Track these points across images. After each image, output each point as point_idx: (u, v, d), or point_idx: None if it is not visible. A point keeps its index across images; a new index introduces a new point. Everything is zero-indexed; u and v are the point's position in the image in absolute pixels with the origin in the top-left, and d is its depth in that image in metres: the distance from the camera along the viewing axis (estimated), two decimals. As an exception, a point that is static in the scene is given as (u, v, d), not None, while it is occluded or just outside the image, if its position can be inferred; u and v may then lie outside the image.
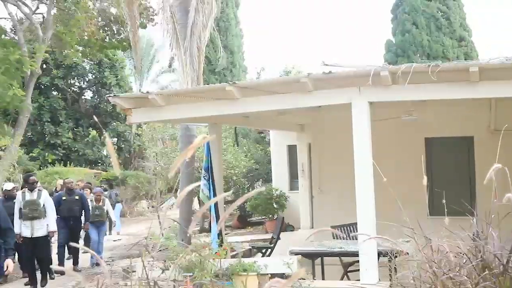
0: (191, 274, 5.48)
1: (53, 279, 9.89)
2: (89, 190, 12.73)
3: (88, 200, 11.55)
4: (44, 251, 9.32)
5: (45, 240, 9.29)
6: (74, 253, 11.16)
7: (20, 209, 8.98)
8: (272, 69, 31.64)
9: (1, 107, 20.50)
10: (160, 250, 6.73)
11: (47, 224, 9.17)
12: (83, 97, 31.31)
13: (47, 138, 27.55)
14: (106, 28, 20.77)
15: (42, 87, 27.51)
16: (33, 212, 8.90)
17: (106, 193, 14.45)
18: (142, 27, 18.26)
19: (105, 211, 11.63)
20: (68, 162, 26.10)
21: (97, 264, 10.78)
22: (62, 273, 10.19)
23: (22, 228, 8.92)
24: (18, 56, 16.78)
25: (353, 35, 75.80)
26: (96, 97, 30.94)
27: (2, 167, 17.49)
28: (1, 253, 5.79)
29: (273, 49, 66.49)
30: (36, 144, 27.54)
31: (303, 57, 61.26)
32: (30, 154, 26.21)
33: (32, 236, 8.95)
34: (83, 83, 31.35)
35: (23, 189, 9.48)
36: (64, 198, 10.84)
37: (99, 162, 29.75)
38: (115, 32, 21.07)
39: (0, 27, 19.45)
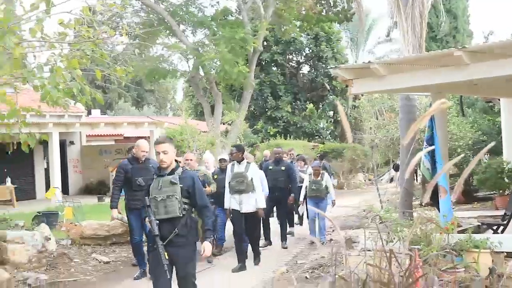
0: (418, 247, 5.40)
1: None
2: (302, 162, 12.36)
3: (304, 174, 11.00)
4: (252, 227, 8.62)
5: (253, 216, 8.50)
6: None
7: (229, 182, 8.47)
8: (502, 33, 29.00)
9: (228, 83, 22.43)
10: (381, 223, 6.74)
11: (256, 200, 8.40)
12: (300, 71, 32.49)
13: (268, 112, 29.33)
14: (322, 1, 21.13)
15: (263, 63, 29.24)
16: (239, 185, 8.29)
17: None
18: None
19: (324, 186, 10.35)
20: (287, 135, 27.46)
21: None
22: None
23: (232, 202, 8.47)
24: (243, 35, 18.06)
25: None
26: (312, 71, 31.82)
27: (230, 140, 19.15)
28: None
29: (504, 11, 60.38)
30: (258, 118, 29.54)
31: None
32: (254, 128, 28.19)
33: (241, 211, 8.38)
34: (301, 58, 32.49)
35: (232, 161, 8.87)
36: (270, 167, 10.51)
37: (316, 135, 30.73)
38: (331, 5, 21.32)
39: (226, 8, 21.09)
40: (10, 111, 8.29)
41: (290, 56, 32.09)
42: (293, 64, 32.28)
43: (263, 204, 8.45)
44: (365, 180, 25.37)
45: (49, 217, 11.30)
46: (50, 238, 8.83)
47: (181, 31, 19.55)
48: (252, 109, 29.13)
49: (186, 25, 20.62)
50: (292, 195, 10.34)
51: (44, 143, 16.78)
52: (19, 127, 8.36)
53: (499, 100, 13.39)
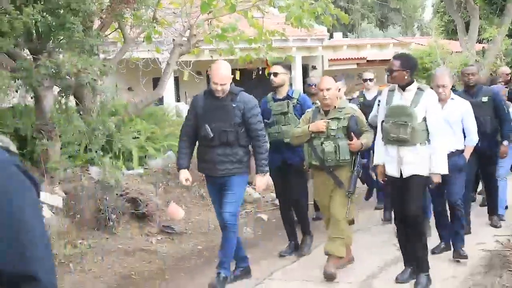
0: None
1: None
2: None
3: None
4: (411, 202, 5.12)
5: (418, 185, 5.10)
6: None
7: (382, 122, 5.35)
8: None
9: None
10: None
11: (431, 158, 4.95)
12: None
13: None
14: None
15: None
16: (399, 130, 4.62)
17: None
18: None
19: None
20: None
21: None
22: None
23: (386, 159, 5.01)
24: None
25: None
26: None
27: (487, 60, 17.70)
28: None
29: None
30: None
31: None
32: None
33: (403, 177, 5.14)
34: None
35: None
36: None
37: None
38: None
39: None
40: (258, 35, 8.86)
41: None
42: None
43: (443, 168, 4.64)
44: None
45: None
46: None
47: None
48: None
49: None
50: (505, 143, 6.45)
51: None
52: (266, 51, 8.90)
53: None
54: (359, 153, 5.04)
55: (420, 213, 4.81)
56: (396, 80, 4.65)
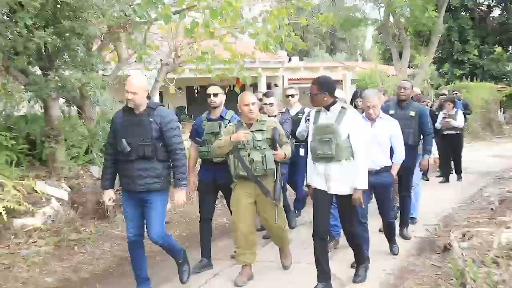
0: None
1: None
2: (451, 105, 9.38)
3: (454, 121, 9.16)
4: (346, 217, 4.55)
5: (346, 201, 4.47)
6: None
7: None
8: None
9: (416, 29, 21.01)
10: None
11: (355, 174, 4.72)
12: (490, 15, 29.01)
13: (454, 56, 26.96)
14: None
15: (452, 8, 26.69)
16: (325, 147, 4.34)
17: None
18: None
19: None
20: (473, 77, 25.05)
21: None
22: None
23: (313, 175, 4.63)
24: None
25: None
26: (504, 13, 28.22)
27: (416, 82, 18.16)
28: None
29: None
30: (444, 61, 27.33)
31: None
32: (440, 70, 26.25)
33: (328, 192, 4.43)
34: (492, 1, 28.92)
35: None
36: (391, 112, 5.88)
37: (503, 78, 27.51)
38: None
39: None
40: (231, 57, 8.94)
41: (481, 0, 28.71)
42: (483, 8, 28.88)
43: (364, 184, 4.13)
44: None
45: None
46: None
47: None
48: (439, 53, 27.01)
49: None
50: (426, 157, 6.08)
51: (253, 85, 17.73)
52: (238, 70, 8.97)
53: None
54: (279, 163, 4.57)
55: (356, 228, 4.40)
56: (316, 103, 4.19)
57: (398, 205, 6.07)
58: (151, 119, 4.07)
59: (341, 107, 4.16)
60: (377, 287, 4.52)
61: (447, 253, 4.99)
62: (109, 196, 4.31)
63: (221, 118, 4.94)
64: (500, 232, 4.73)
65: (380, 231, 5.70)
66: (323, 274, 4.27)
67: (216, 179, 4.93)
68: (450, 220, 6.71)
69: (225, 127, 4.80)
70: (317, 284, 4.27)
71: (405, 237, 5.90)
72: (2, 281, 4.66)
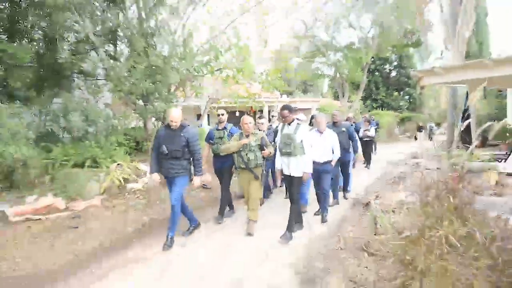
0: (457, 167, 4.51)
1: None
2: (367, 123, 8.41)
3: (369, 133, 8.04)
4: (293, 191, 4.14)
5: (298, 180, 4.13)
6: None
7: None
8: None
9: (352, 81, 20.64)
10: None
11: (304, 163, 4.16)
12: (391, 74, 28.49)
13: (373, 96, 26.43)
14: (408, 36, 17.65)
15: (370, 70, 26.19)
16: (286, 147, 4.10)
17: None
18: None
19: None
20: (383, 108, 24.56)
21: None
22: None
23: (282, 165, 4.24)
24: (361, 56, 16.27)
25: None
26: (397, 74, 27.63)
27: (352, 110, 17.79)
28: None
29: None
30: (367, 99, 26.65)
31: None
32: (364, 104, 25.84)
33: (290, 175, 4.10)
34: (391, 67, 28.40)
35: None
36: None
37: (399, 109, 26.84)
38: (410, 37, 17.51)
39: (352, 42, 19.03)
40: (248, 95, 8.91)
41: (386, 66, 28.33)
42: (386, 71, 28.52)
43: (309, 169, 4.00)
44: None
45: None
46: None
47: (328, 55, 18.47)
48: (364, 94, 26.68)
49: (330, 50, 19.39)
50: (356, 154, 6.01)
51: (260, 111, 17.50)
52: (252, 101, 8.90)
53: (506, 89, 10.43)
54: (265, 159, 4.33)
55: (297, 195, 4.08)
56: (286, 120, 3.99)
57: (342, 184, 5.79)
58: (182, 134, 3.90)
59: (297, 123, 4.02)
60: (326, 228, 4.41)
61: (367, 207, 4.90)
62: (156, 177, 4.01)
63: (225, 128, 4.79)
64: (396, 195, 4.69)
65: (315, 214, 4.85)
66: (297, 222, 4.23)
67: (222, 165, 4.74)
68: (369, 189, 6.64)
69: (227, 134, 4.67)
70: (296, 224, 4.19)
71: (346, 198, 5.79)
72: (122, 220, 4.66)
